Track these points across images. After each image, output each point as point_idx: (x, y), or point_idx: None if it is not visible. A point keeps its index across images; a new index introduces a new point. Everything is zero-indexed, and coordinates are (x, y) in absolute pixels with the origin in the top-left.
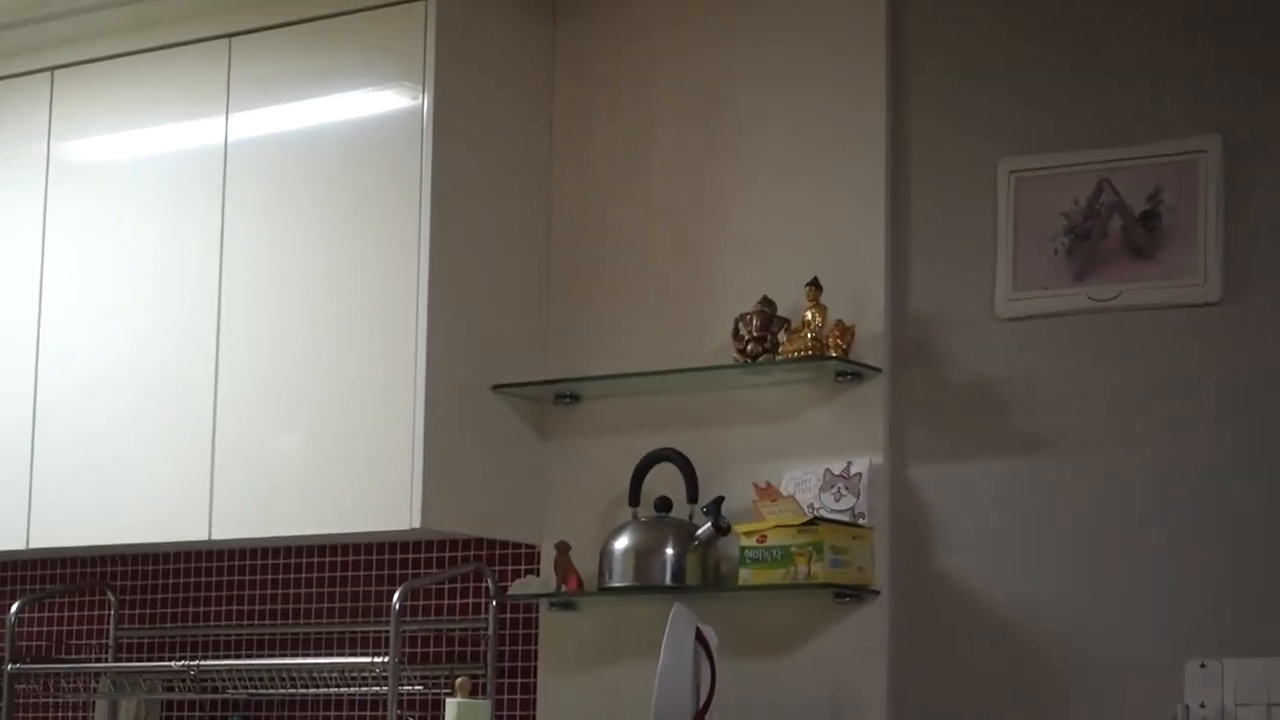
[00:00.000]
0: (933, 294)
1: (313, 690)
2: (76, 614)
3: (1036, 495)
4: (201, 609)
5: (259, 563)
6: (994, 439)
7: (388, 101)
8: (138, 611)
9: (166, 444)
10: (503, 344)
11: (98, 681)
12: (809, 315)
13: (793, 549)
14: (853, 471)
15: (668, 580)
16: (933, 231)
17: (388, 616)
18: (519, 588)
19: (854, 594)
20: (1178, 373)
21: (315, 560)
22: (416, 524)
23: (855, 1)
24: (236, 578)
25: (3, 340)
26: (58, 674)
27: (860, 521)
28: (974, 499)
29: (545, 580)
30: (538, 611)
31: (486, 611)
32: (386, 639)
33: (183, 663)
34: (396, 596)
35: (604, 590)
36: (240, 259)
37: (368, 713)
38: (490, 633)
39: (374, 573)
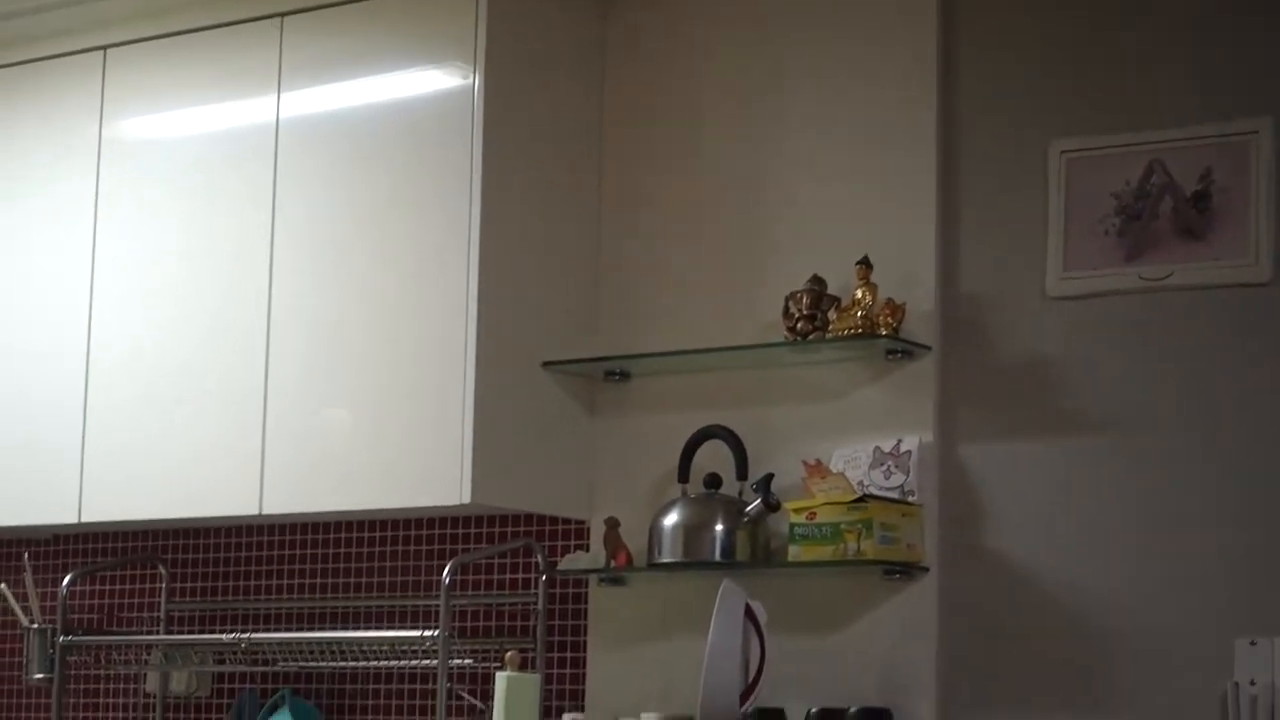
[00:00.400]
0: (983, 273)
1: (363, 663)
2: (128, 587)
3: (1086, 473)
4: (252, 583)
5: (309, 537)
6: (1043, 418)
7: (439, 81)
8: (189, 585)
9: (218, 419)
10: (553, 321)
11: (149, 653)
12: (859, 294)
13: (842, 526)
14: (902, 449)
15: (717, 556)
16: (983, 211)
17: (438, 591)
18: (569, 563)
19: (903, 571)
20: (1228, 353)
21: (365, 535)
22: (467, 499)
23: None
24: (287, 552)
25: (56, 317)
26: (109, 646)
27: (910, 499)
28: (1023, 477)
29: (595, 556)
30: (587, 587)
31: (536, 586)
32: (436, 613)
33: (233, 635)
34: (447, 571)
35: (653, 566)
36: (291, 237)
37: (417, 686)
38: (540, 607)
39: (424, 547)
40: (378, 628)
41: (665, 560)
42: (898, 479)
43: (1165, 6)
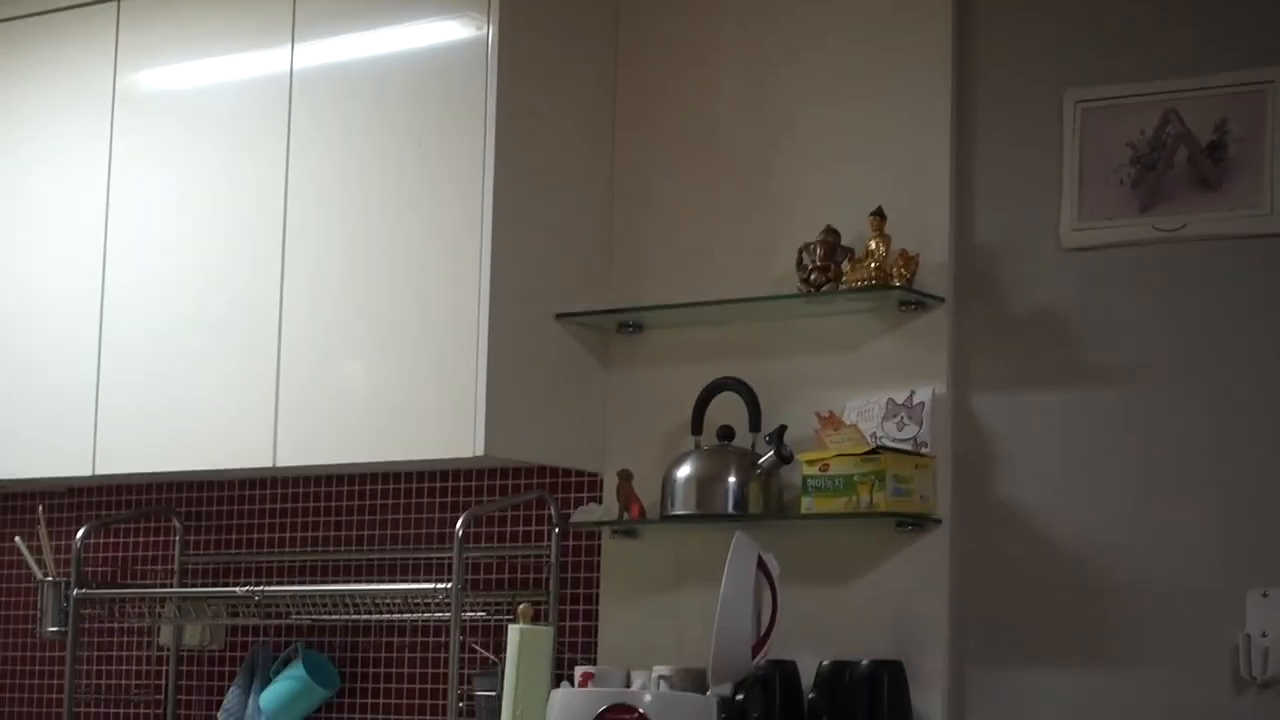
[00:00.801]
0: (997, 224)
1: (376, 616)
2: (142, 540)
3: (1099, 425)
4: (265, 535)
5: (323, 489)
6: (1057, 369)
7: (452, 31)
8: (203, 538)
9: (232, 371)
10: (566, 273)
11: (163, 606)
12: (873, 245)
13: (855, 478)
14: (915, 400)
15: (730, 508)
16: (998, 162)
17: (451, 543)
18: (582, 515)
19: (916, 523)
20: (1243, 303)
21: (378, 487)
22: (480, 451)
23: None
24: (300, 504)
25: (69, 269)
26: (123, 599)
27: (923, 450)
28: (1037, 429)
29: (608, 508)
30: (600, 539)
31: (549, 539)
32: (449, 565)
33: (247, 588)
34: (459, 523)
35: (666, 518)
36: (305, 188)
37: (430, 639)
38: (553, 560)
39: (437, 499)
40: (391, 580)
41: (678, 513)
42: (911, 430)
43: None
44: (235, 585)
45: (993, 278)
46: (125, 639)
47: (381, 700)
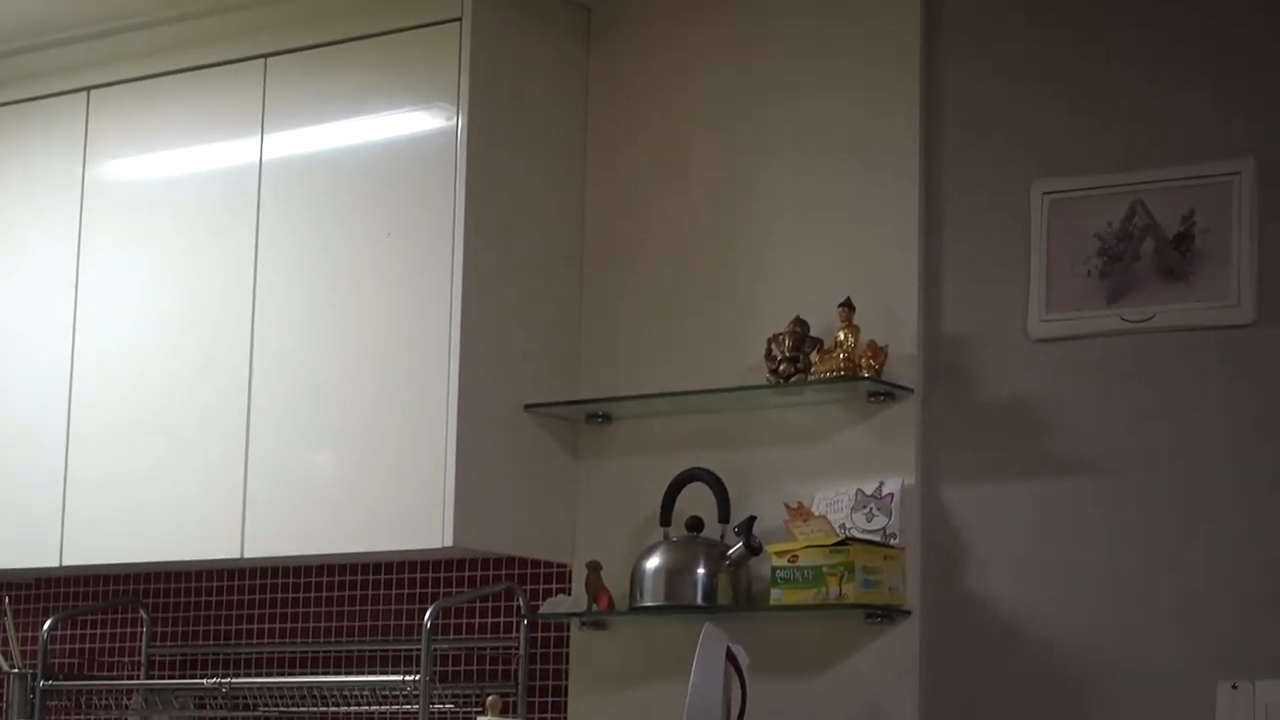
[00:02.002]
0: (966, 315)
1: (344, 708)
2: (109, 631)
3: (1068, 516)
4: (233, 626)
5: (291, 580)
6: (1026, 460)
7: (422, 122)
8: (170, 629)
9: (199, 462)
10: (535, 363)
11: (130, 698)
12: (841, 335)
13: (824, 569)
14: (884, 491)
15: (699, 600)
16: (966, 252)
17: (419, 635)
18: (550, 606)
19: (885, 614)
20: (1211, 395)
21: (347, 578)
22: (448, 542)
23: (889, 23)
24: (269, 595)
25: (37, 357)
26: (90, 691)
27: (892, 542)
28: (1006, 520)
29: (576, 599)
30: (569, 630)
31: (518, 630)
32: (418, 657)
33: (214, 680)
34: (428, 615)
35: (635, 610)
36: (274, 279)
37: None
38: (521, 651)
39: (406, 591)
40: (359, 672)
41: (647, 604)
42: (880, 521)
43: (1147, 48)
44: (203, 677)
45: (961, 368)
46: None
47: None
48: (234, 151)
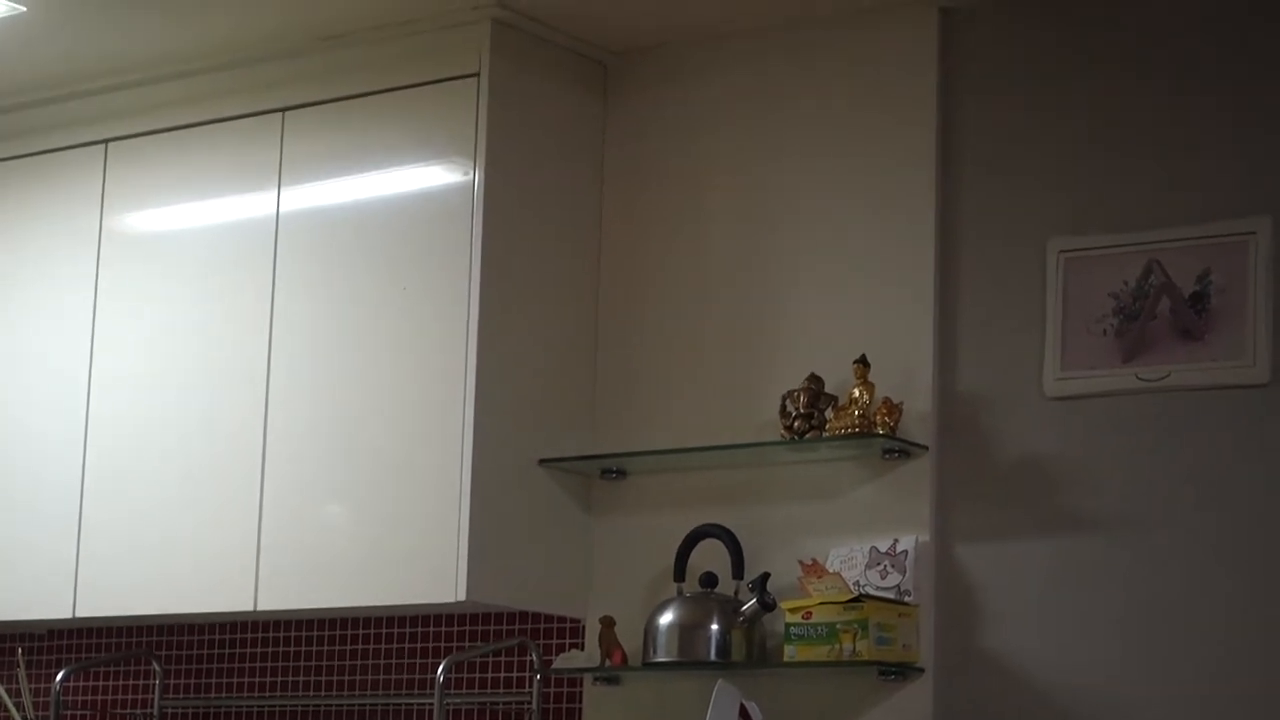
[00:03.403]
0: (981, 372)
1: None
2: (121, 683)
3: (1083, 574)
4: (246, 680)
5: (304, 634)
6: (1041, 518)
7: (439, 177)
8: (183, 681)
9: (214, 515)
10: (550, 418)
11: None
12: (856, 392)
13: (838, 626)
14: (899, 549)
15: (712, 656)
16: (981, 310)
17: (432, 689)
18: (563, 662)
19: (899, 672)
20: (1226, 454)
21: (360, 632)
22: (462, 596)
23: (906, 81)
24: (282, 649)
25: (52, 410)
26: None
27: (906, 599)
28: (1020, 578)
29: (590, 655)
30: (582, 686)
31: (531, 685)
32: (431, 711)
33: None
34: (441, 669)
35: (648, 665)
36: (290, 332)
37: None
38: (534, 707)
39: (419, 645)
40: None
41: (660, 660)
42: (894, 579)
43: (1163, 106)
44: None
45: (976, 426)
46: None
47: None
48: (251, 205)
